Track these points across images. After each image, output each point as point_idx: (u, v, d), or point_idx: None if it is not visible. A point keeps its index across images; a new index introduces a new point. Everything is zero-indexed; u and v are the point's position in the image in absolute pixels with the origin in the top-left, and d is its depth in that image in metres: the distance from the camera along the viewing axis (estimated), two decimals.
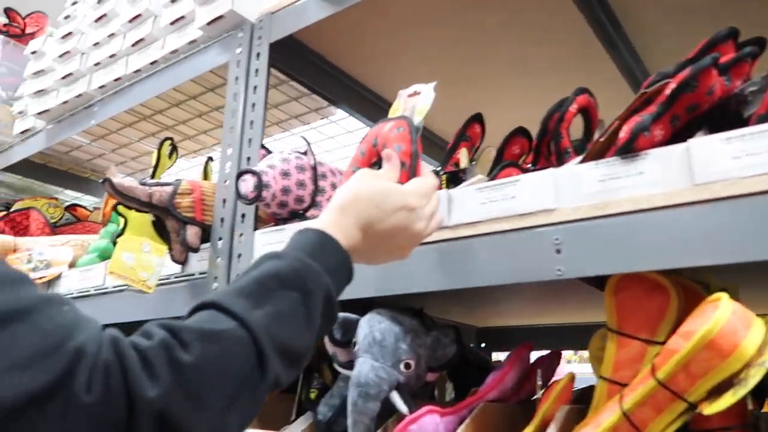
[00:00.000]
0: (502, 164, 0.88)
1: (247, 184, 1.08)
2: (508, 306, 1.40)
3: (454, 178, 1.05)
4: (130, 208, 1.25)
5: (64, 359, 0.39)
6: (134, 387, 0.41)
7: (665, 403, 0.66)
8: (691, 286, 0.79)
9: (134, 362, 0.42)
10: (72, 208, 2.29)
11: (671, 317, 0.76)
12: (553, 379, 0.98)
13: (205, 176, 1.58)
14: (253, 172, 1.08)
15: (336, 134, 1.91)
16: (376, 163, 0.89)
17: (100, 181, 1.19)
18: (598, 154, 0.77)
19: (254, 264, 0.60)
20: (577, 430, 0.77)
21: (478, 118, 1.10)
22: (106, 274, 1.23)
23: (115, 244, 1.76)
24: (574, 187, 0.76)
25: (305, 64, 1.43)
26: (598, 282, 0.84)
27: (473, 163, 1.10)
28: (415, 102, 0.88)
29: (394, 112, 0.90)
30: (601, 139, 0.76)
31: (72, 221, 2.19)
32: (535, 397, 1.03)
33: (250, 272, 0.59)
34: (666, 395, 0.66)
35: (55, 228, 2.07)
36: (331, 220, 0.67)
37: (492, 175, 0.88)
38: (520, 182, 0.81)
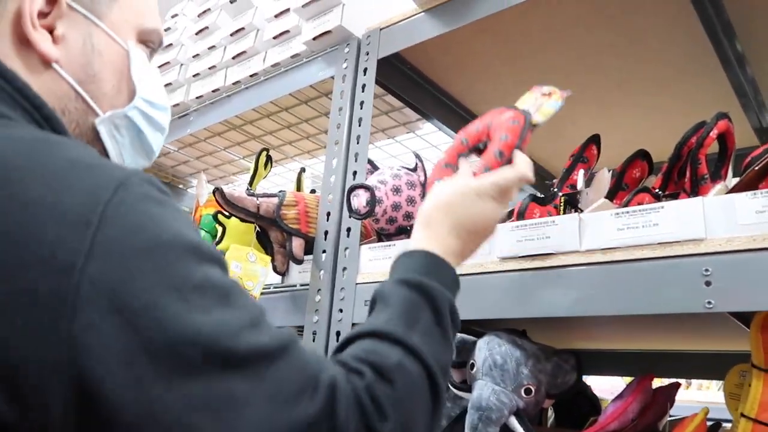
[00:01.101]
0: (636, 189, 0.86)
1: (360, 199, 1.09)
2: (596, 330, 1.37)
3: (571, 200, 1.03)
4: (237, 218, 1.28)
5: (324, 393, 0.41)
6: (372, 422, 0.43)
7: None
8: None
9: (366, 399, 0.44)
10: None
11: None
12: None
13: (298, 187, 1.60)
14: (366, 187, 1.09)
15: (420, 148, 1.92)
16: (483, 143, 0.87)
17: (212, 190, 1.22)
18: (753, 183, 0.75)
19: (379, 294, 0.61)
20: None
21: (595, 140, 1.08)
22: None
23: None
24: (728, 217, 0.74)
25: (403, 79, 1.44)
26: (741, 316, 0.81)
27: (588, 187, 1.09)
28: (543, 102, 0.86)
29: (522, 102, 0.88)
30: (757, 167, 0.73)
31: None
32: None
33: (383, 301, 0.60)
34: None
35: None
36: (426, 236, 0.68)
37: (626, 201, 0.86)
38: (665, 209, 0.79)
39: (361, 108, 1.26)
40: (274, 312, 1.29)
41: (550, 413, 1.26)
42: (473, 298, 0.96)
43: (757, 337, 0.77)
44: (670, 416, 1.03)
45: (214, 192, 1.22)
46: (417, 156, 1.19)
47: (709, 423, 0.93)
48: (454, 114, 1.60)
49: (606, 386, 1.21)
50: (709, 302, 0.73)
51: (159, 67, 1.81)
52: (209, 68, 1.67)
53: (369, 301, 1.11)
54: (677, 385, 1.02)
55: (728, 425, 0.95)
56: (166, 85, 1.78)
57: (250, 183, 1.48)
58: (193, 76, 1.72)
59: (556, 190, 1.03)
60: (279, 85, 1.50)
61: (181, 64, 1.78)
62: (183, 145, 2.12)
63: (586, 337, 1.52)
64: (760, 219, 0.71)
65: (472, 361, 0.96)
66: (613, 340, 1.55)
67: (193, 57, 1.73)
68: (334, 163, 1.28)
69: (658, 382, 1.02)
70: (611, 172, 1.08)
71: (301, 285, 1.26)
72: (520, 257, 0.93)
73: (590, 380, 1.41)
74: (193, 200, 2.53)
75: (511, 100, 0.95)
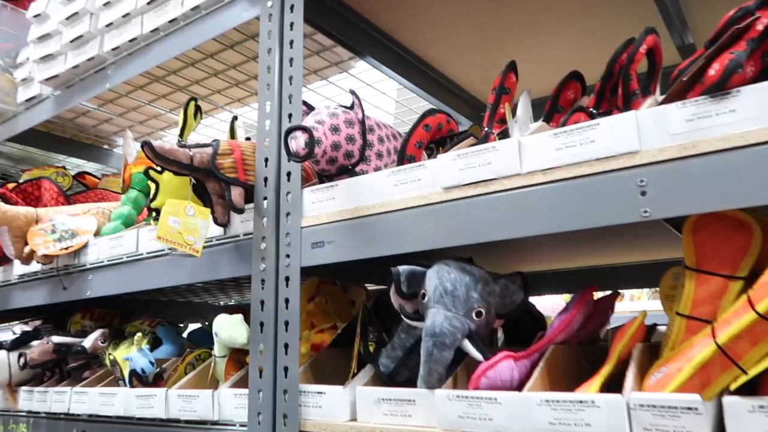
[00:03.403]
0: (572, 109, 0.87)
1: (298, 142, 1.06)
2: (539, 252, 1.42)
3: (505, 135, 1.04)
4: (170, 171, 1.22)
5: None
6: None
7: (764, 334, 0.68)
8: (767, 221, 0.81)
9: None
10: (80, 176, 2.24)
11: (754, 253, 0.77)
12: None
13: (232, 136, 1.55)
14: (304, 129, 1.05)
15: (355, 88, 1.88)
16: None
17: (141, 144, 1.16)
18: (681, 93, 0.77)
19: None
20: (660, 364, 0.79)
21: (513, 67, 1.08)
22: (155, 239, 1.20)
23: (137, 210, 1.74)
24: (660, 129, 0.76)
25: (333, 15, 1.39)
26: (674, 223, 0.85)
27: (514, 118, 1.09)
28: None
29: None
30: (685, 78, 0.75)
31: (83, 190, 2.15)
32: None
33: None
34: (766, 327, 0.67)
35: (68, 197, 2.03)
36: None
37: (563, 121, 0.88)
38: (601, 126, 0.80)
39: (291, 47, 1.22)
40: (220, 264, 1.26)
41: (500, 334, 1.30)
42: (419, 229, 0.97)
43: (688, 239, 0.81)
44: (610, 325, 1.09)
45: (142, 146, 1.16)
46: (353, 93, 1.16)
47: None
48: (388, 50, 1.56)
49: (548, 305, 1.27)
50: (645, 211, 0.76)
51: (67, 18, 1.68)
52: (123, 16, 1.56)
53: (316, 243, 1.11)
54: (616, 295, 1.07)
55: (663, 327, 1.01)
56: (77, 38, 1.66)
57: (181, 135, 1.41)
58: (107, 26, 1.61)
59: (487, 128, 1.04)
60: (201, 30, 1.42)
61: (92, 14, 1.65)
62: (103, 101, 2.00)
63: (529, 261, 1.57)
64: (690, 127, 0.74)
65: (423, 291, 0.97)
66: (554, 261, 1.61)
67: (104, 5, 1.61)
68: (267, 107, 1.24)
69: (600, 295, 1.07)
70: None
71: (245, 234, 1.24)
72: (463, 185, 0.94)
73: (533, 301, 1.47)
74: (121, 160, 2.41)
75: (439, 27, 0.93)
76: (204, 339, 1.64)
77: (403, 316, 0.99)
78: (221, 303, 2.59)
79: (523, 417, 0.81)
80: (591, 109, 0.95)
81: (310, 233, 1.12)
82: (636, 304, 3.01)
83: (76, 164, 2.50)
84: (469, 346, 0.93)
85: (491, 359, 0.89)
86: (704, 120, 0.73)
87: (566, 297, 3.71)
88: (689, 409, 0.69)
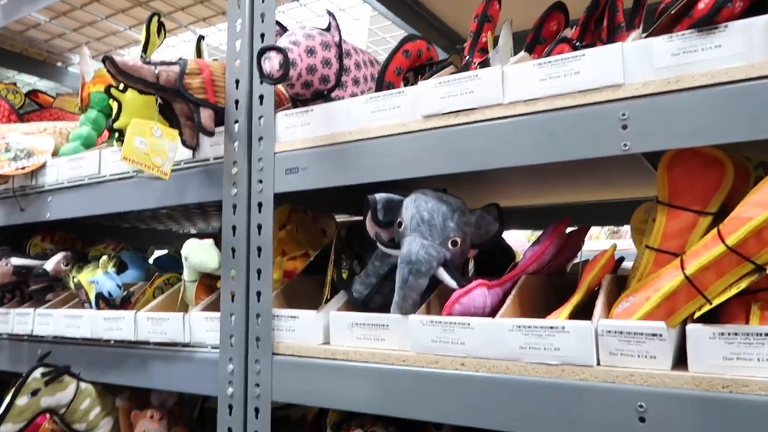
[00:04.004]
0: (557, 40, 0.86)
1: (272, 62, 1.02)
2: (514, 187, 1.44)
3: (486, 65, 1.02)
4: (134, 89, 1.17)
5: None
6: None
7: (730, 266, 0.71)
8: (739, 160, 0.83)
9: None
10: (33, 94, 2.12)
11: (725, 190, 0.79)
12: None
13: (198, 55, 1.48)
14: (279, 49, 1.01)
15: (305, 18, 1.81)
16: None
17: (102, 60, 1.10)
18: (667, 27, 0.76)
19: None
20: (627, 294, 0.83)
21: None
22: (120, 160, 1.15)
23: (97, 131, 1.67)
24: (644, 62, 0.76)
25: None
26: (650, 158, 0.86)
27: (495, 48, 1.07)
28: None
29: None
30: (673, 12, 0.75)
31: (36, 108, 2.03)
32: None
33: None
34: (733, 259, 0.70)
35: (20, 116, 1.92)
36: None
37: (548, 51, 0.86)
38: (586, 57, 0.79)
39: None
40: (189, 188, 1.23)
41: (471, 265, 1.33)
42: (397, 158, 0.96)
43: (663, 174, 0.83)
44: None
45: (104, 61, 1.09)
46: (330, 14, 1.12)
47: None
48: None
49: (510, 242, 1.31)
50: (625, 144, 0.77)
51: None
52: None
53: (290, 169, 1.09)
54: (587, 228, 1.10)
55: (627, 264, 1.04)
56: None
57: (144, 52, 1.34)
58: None
59: (468, 57, 1.01)
60: None
61: None
62: (56, 14, 1.87)
63: (501, 196, 1.59)
64: (676, 61, 0.74)
65: (399, 219, 0.97)
66: (525, 197, 1.63)
67: None
68: (238, 26, 1.18)
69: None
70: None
71: (215, 158, 1.20)
72: (443, 114, 0.92)
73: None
74: (76, 79, 2.29)
75: None
76: (171, 265, 1.62)
77: (378, 244, 0.99)
78: (186, 231, 2.55)
79: (495, 342, 0.84)
80: (575, 42, 0.93)
81: (283, 159, 1.09)
82: (594, 243, 3.11)
83: (27, 82, 2.36)
84: (444, 274, 0.94)
85: (465, 287, 0.91)
86: (690, 55, 0.73)
87: (528, 235, 3.81)
88: (654, 335, 0.73)
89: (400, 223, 0.97)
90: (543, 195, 1.60)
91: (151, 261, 1.72)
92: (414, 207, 0.95)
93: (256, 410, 1.06)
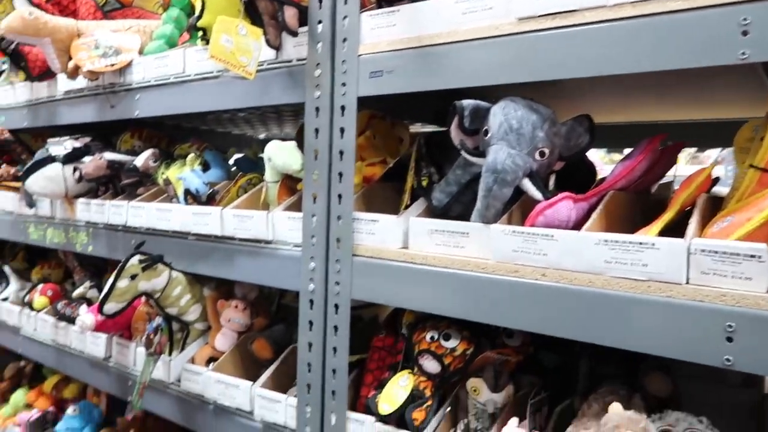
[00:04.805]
0: None
1: None
2: (608, 101, 1.37)
3: None
4: None
5: None
6: None
7: None
8: None
9: None
10: None
11: None
12: None
13: None
14: None
15: None
16: None
17: None
18: None
19: None
20: (725, 214, 0.79)
21: None
22: (208, 58, 1.16)
23: (179, 29, 1.69)
24: None
25: None
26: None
27: None
28: None
29: None
30: None
31: (118, 6, 2.06)
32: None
33: None
34: None
35: (105, 13, 1.95)
36: None
37: None
38: None
39: None
40: (271, 90, 1.24)
41: (551, 181, 1.30)
42: (487, 63, 0.92)
43: None
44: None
45: None
46: None
47: None
48: None
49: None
50: (743, 53, 0.71)
51: None
52: None
53: (374, 72, 1.08)
54: (680, 146, 1.04)
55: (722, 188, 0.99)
56: None
57: None
58: None
59: None
60: None
61: None
62: None
63: (589, 110, 1.52)
64: None
65: (486, 127, 0.95)
66: (609, 113, 1.56)
67: None
68: None
69: None
70: None
71: (298, 60, 1.20)
72: (540, 16, 0.87)
73: None
74: None
75: None
76: (250, 166, 1.66)
77: (462, 152, 0.98)
78: (259, 136, 2.60)
79: (578, 254, 0.83)
80: None
81: (367, 61, 1.08)
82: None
83: None
84: (529, 185, 0.93)
85: (550, 199, 0.90)
86: None
87: (602, 156, 3.65)
88: (752, 256, 0.70)
89: (487, 131, 0.95)
90: (626, 112, 1.52)
91: (231, 162, 1.78)
92: (502, 114, 0.93)
93: (336, 306, 1.12)
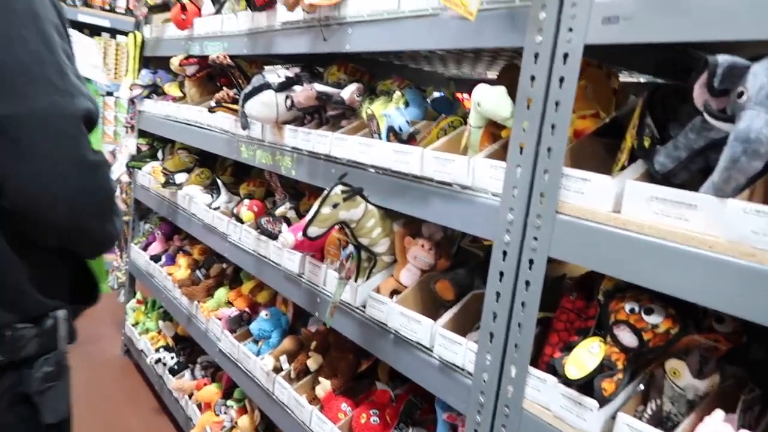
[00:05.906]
0: None
1: None
2: None
3: None
4: None
5: None
6: None
7: None
8: None
9: None
10: None
11: None
12: None
13: None
14: None
15: None
16: None
17: None
18: None
19: None
20: None
21: None
22: None
23: None
24: None
25: None
26: None
27: None
28: None
29: None
30: None
31: None
32: None
33: None
34: None
35: None
36: None
37: None
38: None
39: None
40: (486, 31, 1.20)
41: None
42: (753, 9, 0.80)
43: None
44: None
45: None
46: None
47: None
48: None
49: None
50: None
51: None
52: None
53: (608, 18, 0.98)
54: None
55: None
56: None
57: None
58: None
59: None
60: None
61: None
62: None
63: None
64: None
65: (741, 89, 0.83)
66: None
67: None
68: None
69: None
70: None
71: (521, 0, 1.14)
72: None
73: None
74: None
75: None
76: (446, 107, 1.66)
77: (705, 114, 0.88)
78: (450, 74, 2.58)
79: None
80: None
81: (602, 5, 0.99)
82: None
83: None
84: None
85: None
86: None
87: None
88: None
89: (741, 93, 0.83)
90: None
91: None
92: (766, 76, 0.80)
93: (530, 261, 1.09)
